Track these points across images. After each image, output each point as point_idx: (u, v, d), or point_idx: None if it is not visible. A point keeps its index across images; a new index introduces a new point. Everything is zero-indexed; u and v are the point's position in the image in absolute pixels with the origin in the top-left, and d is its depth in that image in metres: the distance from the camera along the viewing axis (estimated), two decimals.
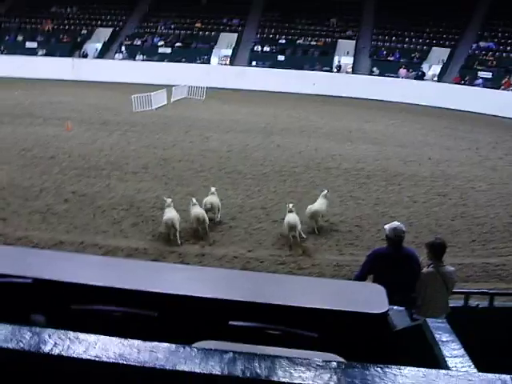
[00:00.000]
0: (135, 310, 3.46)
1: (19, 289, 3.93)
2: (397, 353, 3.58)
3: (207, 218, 13.13)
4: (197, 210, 13.10)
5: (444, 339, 2.98)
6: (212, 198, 14.00)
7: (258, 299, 3.91)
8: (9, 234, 12.50)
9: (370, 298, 4.02)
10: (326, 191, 14.40)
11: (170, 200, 13.21)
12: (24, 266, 4.28)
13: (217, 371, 1.85)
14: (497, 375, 1.93)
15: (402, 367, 1.93)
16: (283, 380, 1.85)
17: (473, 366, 2.61)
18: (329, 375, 1.87)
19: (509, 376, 1.92)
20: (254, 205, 15.26)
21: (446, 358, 2.71)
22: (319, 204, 14.06)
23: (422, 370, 1.94)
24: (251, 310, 3.86)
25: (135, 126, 26.08)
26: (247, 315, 3.69)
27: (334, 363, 1.94)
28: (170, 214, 12.73)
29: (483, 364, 2.62)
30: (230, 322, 3.44)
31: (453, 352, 2.79)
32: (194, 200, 13.38)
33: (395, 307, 4.17)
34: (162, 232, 12.94)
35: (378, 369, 1.92)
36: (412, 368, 1.94)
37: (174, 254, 12.01)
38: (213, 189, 14.35)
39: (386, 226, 7.64)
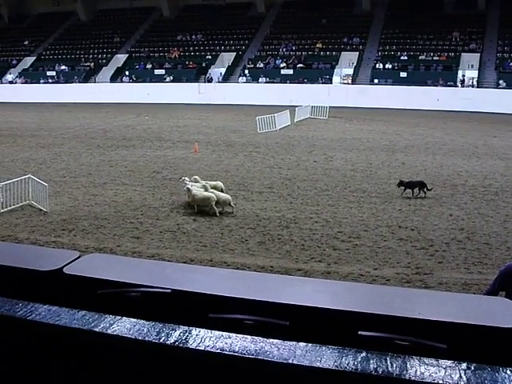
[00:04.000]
0: (267, 318, 3.62)
1: (159, 298, 4.21)
2: None
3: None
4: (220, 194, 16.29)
5: None
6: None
7: (387, 311, 3.97)
8: (142, 252, 13.07)
9: (500, 312, 3.98)
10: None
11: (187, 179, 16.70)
12: (163, 278, 4.57)
13: (350, 368, 1.96)
14: None
15: None
16: (414, 379, 1.92)
17: None
18: (458, 375, 1.93)
19: None
20: (379, 223, 15.16)
21: None
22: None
23: None
24: (380, 321, 3.92)
25: (259, 146, 26.63)
26: (376, 326, 3.76)
27: (464, 364, 1.99)
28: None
29: None
30: (359, 333, 3.52)
31: None
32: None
33: None
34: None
35: (509, 372, 1.95)
36: None
37: (300, 271, 12.12)
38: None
39: None
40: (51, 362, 2.58)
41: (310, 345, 2.08)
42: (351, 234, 14.22)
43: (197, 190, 16.34)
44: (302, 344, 2.08)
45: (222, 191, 16.87)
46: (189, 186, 16.31)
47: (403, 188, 17.80)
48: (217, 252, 13.05)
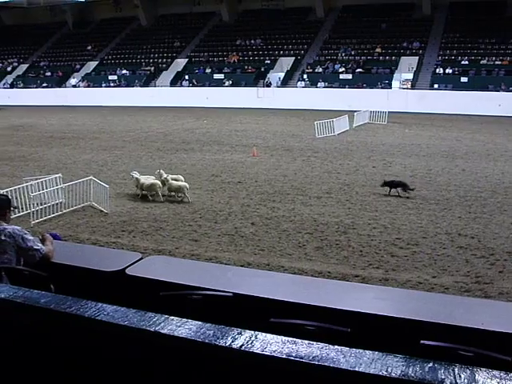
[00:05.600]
0: (328, 325, 3.63)
1: (221, 302, 4.26)
2: None
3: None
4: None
5: None
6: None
7: (449, 321, 3.93)
8: (200, 254, 13.18)
9: None
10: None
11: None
12: (224, 281, 4.62)
13: (417, 378, 1.95)
14: None
15: None
16: None
17: None
18: None
19: None
20: (438, 230, 14.93)
21: None
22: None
23: None
24: (442, 331, 3.88)
25: (318, 151, 26.58)
26: (438, 336, 3.72)
27: None
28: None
29: None
30: (422, 342, 3.49)
31: None
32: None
33: None
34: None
35: None
36: None
37: (358, 277, 12.04)
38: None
39: None
40: (117, 361, 2.64)
41: (376, 353, 2.08)
42: (410, 241, 14.05)
43: (144, 178, 18.47)
44: (368, 352, 2.09)
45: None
46: (136, 176, 18.47)
47: (388, 188, 18.51)
48: (274, 256, 13.06)
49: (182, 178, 18.99)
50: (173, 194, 18.27)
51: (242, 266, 12.52)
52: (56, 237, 8.38)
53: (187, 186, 18.11)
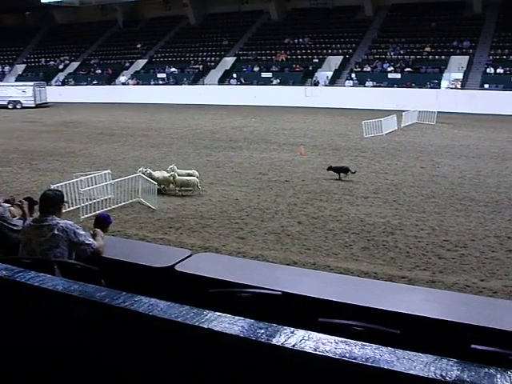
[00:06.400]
0: (377, 326, 3.61)
1: (270, 300, 4.27)
2: None
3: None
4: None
5: None
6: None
7: (500, 325, 3.87)
8: (246, 252, 13.22)
9: None
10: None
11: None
12: (273, 280, 4.64)
13: (472, 383, 1.93)
14: None
15: None
16: None
17: None
18: None
19: None
20: (487, 233, 14.69)
21: None
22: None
23: None
24: (493, 335, 3.83)
25: (365, 151, 26.43)
26: (489, 340, 3.67)
27: None
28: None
29: None
30: (472, 346, 3.45)
31: None
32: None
33: None
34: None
35: None
36: None
37: (404, 279, 11.93)
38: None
39: None
40: (169, 357, 2.67)
41: (430, 356, 2.06)
42: (458, 243, 13.85)
43: (159, 173, 18.97)
44: (422, 355, 2.07)
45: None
46: (150, 171, 18.70)
47: (335, 173, 20.69)
48: (320, 256, 13.02)
49: (197, 174, 19.44)
50: (183, 188, 18.74)
51: (288, 264, 12.53)
52: (108, 218, 8.54)
53: (197, 180, 18.72)
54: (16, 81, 61.78)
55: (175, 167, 19.25)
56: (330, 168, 20.88)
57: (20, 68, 67.33)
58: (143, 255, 5.71)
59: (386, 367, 1.99)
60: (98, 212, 15.88)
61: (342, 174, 20.62)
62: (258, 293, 4.26)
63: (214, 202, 17.54)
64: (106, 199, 17.06)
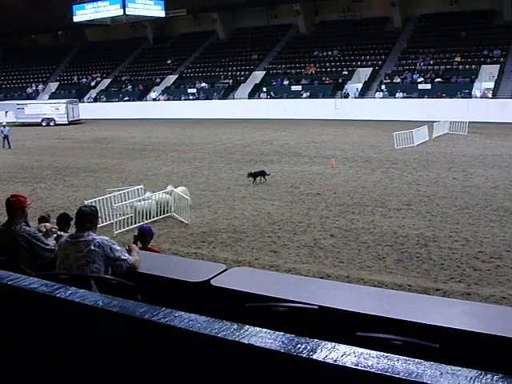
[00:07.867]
0: (416, 340, 3.58)
1: (306, 314, 4.27)
2: None
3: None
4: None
5: None
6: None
7: None
8: (279, 266, 13.21)
9: None
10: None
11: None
12: (309, 294, 4.63)
13: None
14: None
15: None
16: None
17: None
18: None
19: None
20: None
21: None
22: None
23: None
24: None
25: (397, 162, 26.29)
26: None
27: None
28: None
29: None
30: None
31: None
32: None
33: None
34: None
35: None
36: None
37: (439, 291, 11.82)
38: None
39: None
40: (210, 374, 2.68)
41: (474, 371, 2.04)
42: (493, 255, 13.68)
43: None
44: (465, 369, 2.05)
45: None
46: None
47: (252, 179, 22.07)
48: (353, 268, 12.96)
49: (187, 192, 18.67)
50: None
51: (321, 277, 12.48)
52: (150, 231, 8.61)
53: (169, 200, 17.84)
54: (49, 98, 62.74)
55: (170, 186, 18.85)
56: (249, 174, 22.23)
57: (53, 86, 68.36)
58: (178, 270, 5.73)
59: (429, 382, 1.98)
60: (132, 226, 16.05)
61: (257, 179, 22.15)
62: (295, 307, 4.26)
63: (246, 216, 17.57)
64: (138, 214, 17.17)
